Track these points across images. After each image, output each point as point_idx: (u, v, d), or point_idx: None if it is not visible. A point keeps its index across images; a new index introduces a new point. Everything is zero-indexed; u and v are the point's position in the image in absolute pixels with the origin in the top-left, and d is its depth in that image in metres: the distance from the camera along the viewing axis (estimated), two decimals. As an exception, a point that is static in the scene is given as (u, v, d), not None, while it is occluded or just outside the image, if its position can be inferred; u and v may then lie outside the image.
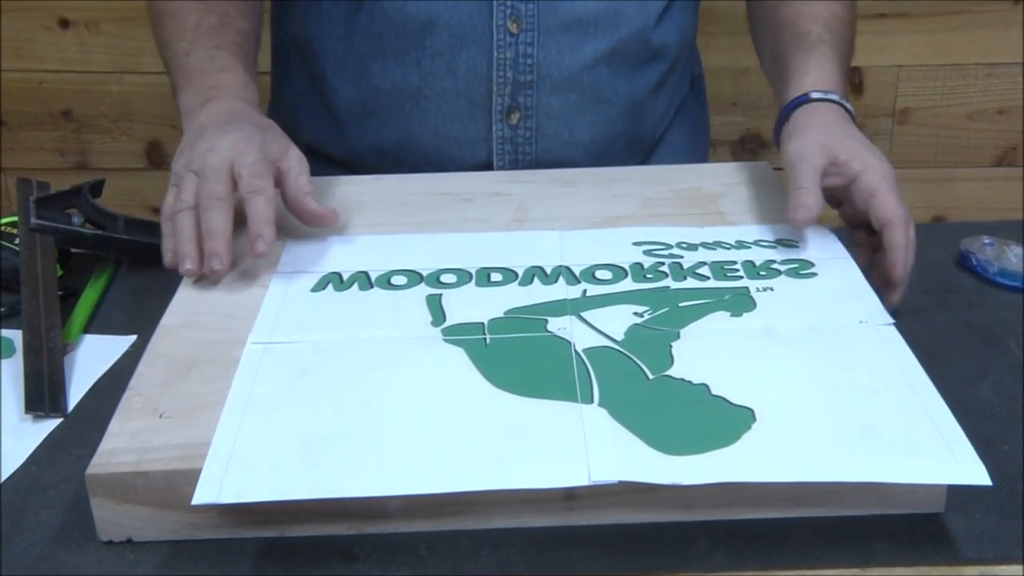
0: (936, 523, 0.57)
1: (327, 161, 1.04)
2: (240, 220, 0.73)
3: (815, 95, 0.83)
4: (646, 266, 0.74)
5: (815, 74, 0.85)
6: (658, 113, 1.03)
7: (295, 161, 0.79)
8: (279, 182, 0.77)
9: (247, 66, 0.88)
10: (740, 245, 0.77)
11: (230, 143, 0.76)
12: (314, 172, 1.04)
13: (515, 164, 0.97)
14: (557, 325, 0.67)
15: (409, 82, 0.95)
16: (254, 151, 0.76)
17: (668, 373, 0.62)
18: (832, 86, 0.84)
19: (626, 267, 0.74)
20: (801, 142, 0.79)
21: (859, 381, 0.61)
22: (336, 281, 0.73)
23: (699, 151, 1.13)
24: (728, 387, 0.60)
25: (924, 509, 0.57)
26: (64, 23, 1.52)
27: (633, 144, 1.02)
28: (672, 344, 0.65)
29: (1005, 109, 1.58)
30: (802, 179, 0.77)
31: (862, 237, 0.78)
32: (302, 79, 1.02)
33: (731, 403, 0.59)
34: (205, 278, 0.73)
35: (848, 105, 0.84)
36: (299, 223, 0.80)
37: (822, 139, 0.79)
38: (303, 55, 1.01)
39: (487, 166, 0.98)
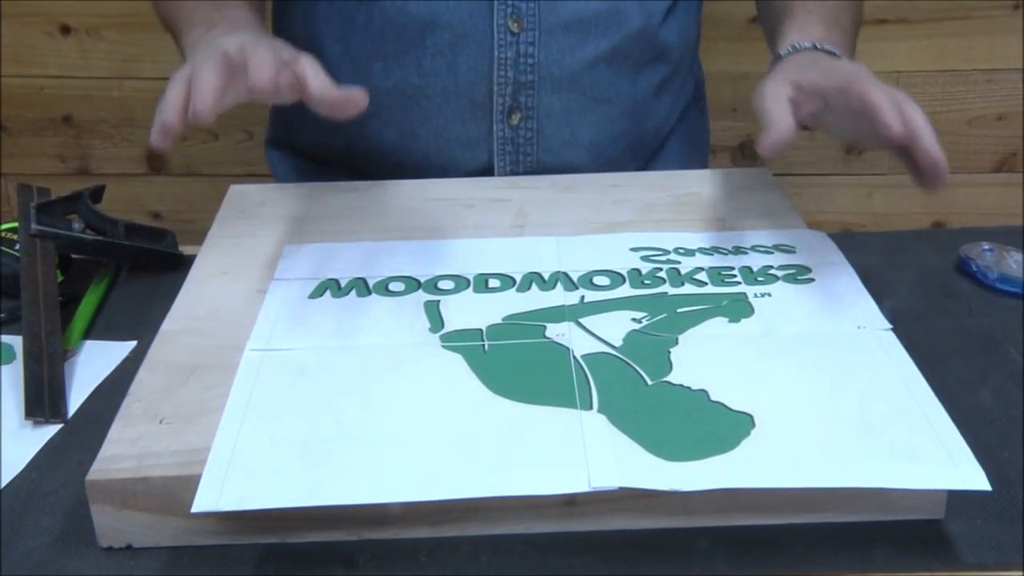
0: (936, 529, 0.57)
1: (327, 163, 1.04)
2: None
3: (783, 52, 0.83)
4: (644, 272, 0.75)
5: (791, 36, 0.85)
6: (660, 116, 1.03)
7: (309, 61, 0.71)
8: (298, 87, 0.70)
9: (253, 8, 0.86)
10: (738, 251, 0.78)
11: (234, 38, 0.71)
12: (314, 175, 1.05)
13: (516, 165, 0.98)
14: (555, 331, 0.67)
15: (410, 82, 0.95)
16: (264, 46, 0.70)
17: (667, 379, 0.62)
18: (811, 39, 0.83)
19: (624, 273, 0.74)
20: (762, 87, 0.76)
21: (857, 387, 0.61)
22: (334, 288, 0.73)
23: (699, 157, 1.14)
24: (727, 393, 0.60)
25: (924, 515, 0.57)
26: (65, 29, 1.52)
27: (634, 146, 1.02)
28: (671, 350, 0.65)
29: (1005, 115, 1.58)
30: (769, 111, 0.73)
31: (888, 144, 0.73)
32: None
33: (730, 409, 0.59)
34: (210, 274, 0.72)
35: (834, 49, 0.81)
36: (299, 228, 0.81)
37: (783, 75, 0.76)
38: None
39: (488, 167, 0.98)
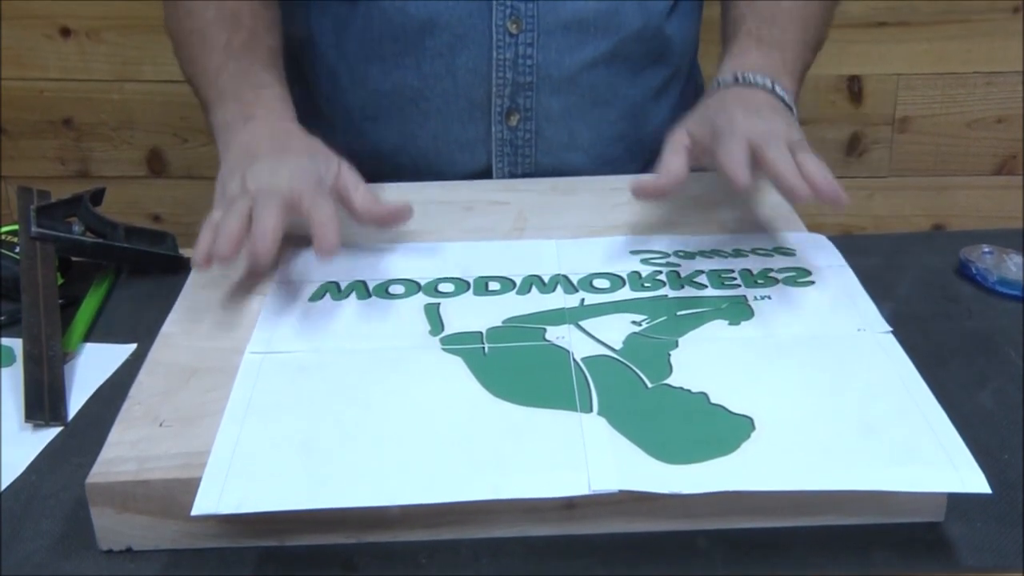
0: (936, 532, 0.57)
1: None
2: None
3: (712, 84, 0.84)
4: (644, 275, 0.75)
5: (724, 66, 0.86)
6: (660, 118, 1.03)
7: (348, 175, 0.77)
8: (342, 202, 0.76)
9: (281, 81, 0.88)
10: (738, 254, 0.78)
11: (289, 172, 0.74)
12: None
13: (514, 166, 0.98)
14: (555, 334, 0.67)
15: (408, 84, 0.95)
16: (312, 179, 0.74)
17: (667, 382, 0.62)
18: (737, 70, 0.83)
19: (624, 276, 0.74)
20: (675, 129, 0.79)
21: (857, 389, 0.61)
22: (334, 290, 0.73)
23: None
24: (727, 396, 0.60)
25: (924, 517, 0.57)
26: (65, 32, 1.52)
27: (633, 148, 1.02)
28: (671, 353, 0.65)
29: (1004, 118, 1.58)
30: (663, 158, 0.76)
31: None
32: (299, 83, 1.02)
33: (730, 412, 0.59)
34: (212, 279, 0.73)
35: (757, 77, 0.82)
36: (300, 231, 0.81)
37: (689, 122, 0.79)
38: (300, 59, 1.01)
39: (487, 168, 0.98)
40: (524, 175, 0.98)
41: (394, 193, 0.90)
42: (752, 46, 0.87)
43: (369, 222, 0.76)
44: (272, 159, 0.77)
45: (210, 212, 0.73)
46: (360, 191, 0.76)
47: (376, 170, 0.98)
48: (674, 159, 0.76)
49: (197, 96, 0.90)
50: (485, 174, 0.98)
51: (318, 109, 1.01)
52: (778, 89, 0.82)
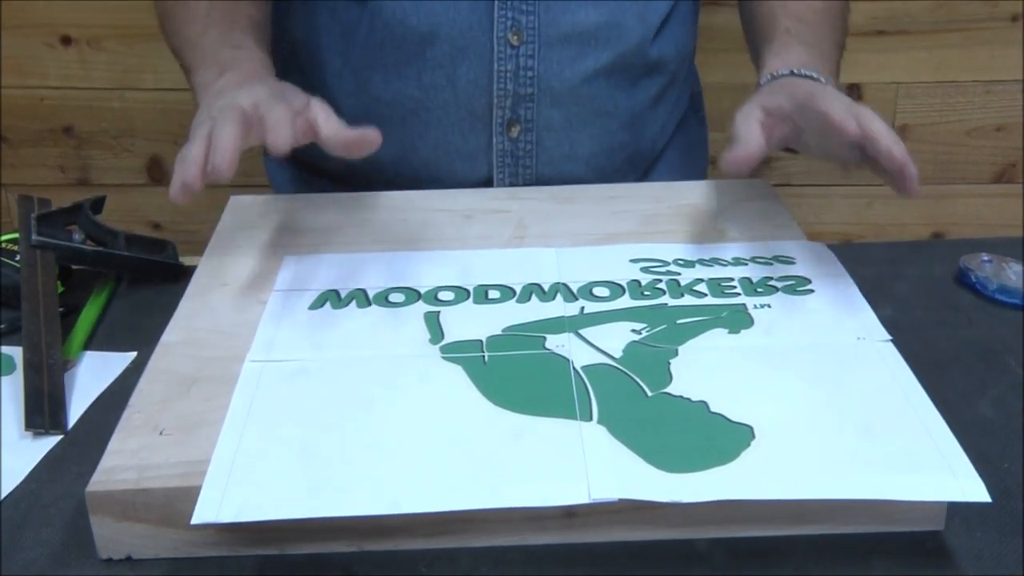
0: (936, 540, 0.57)
1: (325, 175, 1.04)
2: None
3: (762, 80, 0.84)
4: (643, 283, 0.75)
5: (771, 64, 0.85)
6: (658, 127, 1.04)
7: (319, 108, 0.73)
8: (311, 133, 0.72)
9: (261, 45, 0.88)
10: (737, 262, 0.78)
11: (250, 92, 0.73)
12: (312, 186, 1.05)
13: (515, 177, 0.98)
14: (555, 342, 0.67)
15: (409, 94, 0.95)
16: (277, 101, 0.72)
17: (667, 390, 0.62)
18: (790, 66, 0.83)
19: (623, 284, 0.74)
20: (741, 108, 0.77)
21: (857, 398, 0.61)
22: (334, 299, 0.73)
23: (698, 168, 1.14)
24: (727, 404, 0.60)
25: (924, 526, 0.57)
26: (66, 40, 1.52)
27: (633, 158, 1.02)
28: (670, 361, 0.65)
29: (1004, 126, 1.58)
30: (737, 128, 0.74)
31: (855, 155, 0.74)
32: (304, 89, 1.02)
33: (730, 420, 0.59)
34: (211, 287, 0.72)
35: (812, 72, 0.82)
36: (299, 239, 0.81)
37: (754, 102, 0.78)
38: (301, 68, 1.02)
39: (487, 179, 0.98)
40: (525, 185, 0.98)
41: (394, 202, 0.90)
42: (794, 43, 0.87)
43: (337, 149, 0.72)
44: (235, 88, 0.75)
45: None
46: (328, 119, 0.72)
47: (377, 179, 0.98)
48: (749, 130, 0.73)
49: (181, 66, 0.90)
50: (486, 184, 0.98)
51: None
52: (830, 84, 0.82)
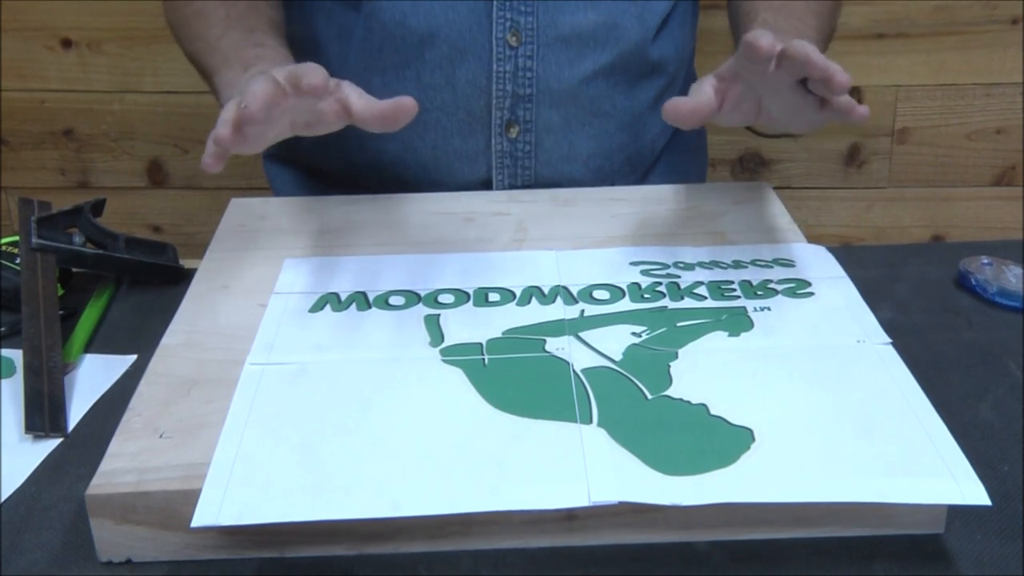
0: (936, 543, 0.57)
1: (327, 178, 1.04)
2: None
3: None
4: (643, 286, 0.75)
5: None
6: (657, 128, 1.04)
7: (350, 87, 0.73)
8: (344, 113, 0.72)
9: (282, 43, 0.88)
10: (737, 265, 0.78)
11: (281, 68, 0.71)
12: (312, 189, 1.05)
13: (514, 178, 0.98)
14: (555, 345, 0.67)
15: (408, 95, 0.95)
16: (311, 64, 0.70)
17: (667, 393, 0.62)
18: None
19: (623, 287, 0.74)
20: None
21: (857, 401, 0.61)
22: (334, 301, 0.73)
23: (697, 170, 1.14)
24: (727, 407, 0.60)
25: (924, 529, 0.57)
26: (66, 43, 1.53)
27: (632, 159, 1.02)
28: (670, 364, 0.65)
29: (1003, 129, 1.58)
30: (691, 91, 0.74)
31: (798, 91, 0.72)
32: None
33: (730, 423, 0.59)
34: (211, 289, 0.72)
35: None
36: (299, 242, 0.81)
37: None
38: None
39: (486, 180, 0.98)
40: (524, 186, 0.98)
41: (394, 204, 0.90)
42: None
43: (374, 124, 0.72)
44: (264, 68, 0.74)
45: None
46: (360, 97, 0.72)
47: (377, 181, 0.98)
48: (700, 89, 0.73)
49: (200, 71, 0.90)
50: (485, 185, 0.98)
51: None
52: None
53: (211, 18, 0.89)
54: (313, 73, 0.67)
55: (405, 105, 0.71)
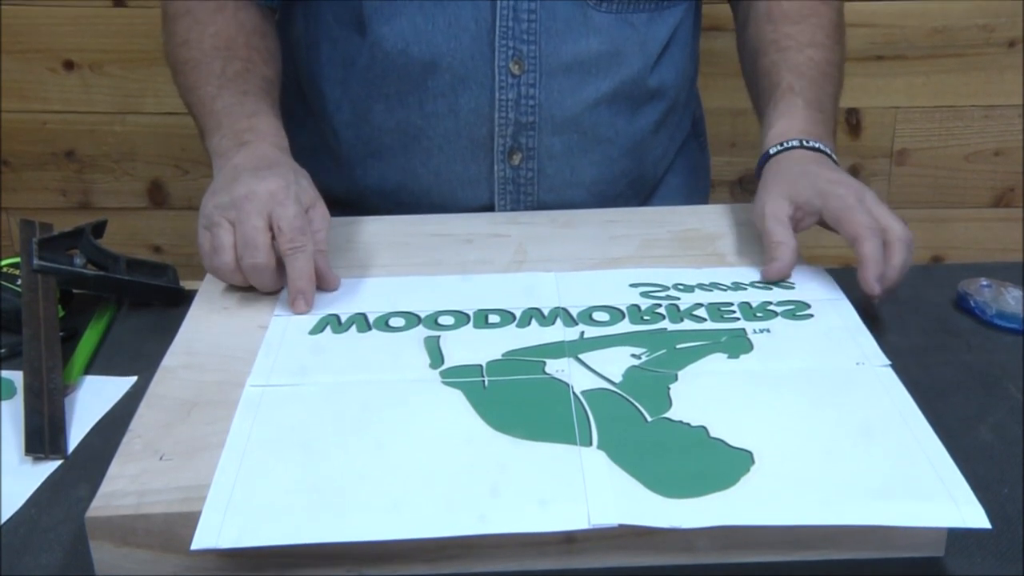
0: (936, 566, 0.57)
1: (331, 202, 1.04)
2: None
3: (773, 151, 0.86)
4: (643, 308, 0.75)
5: (778, 126, 0.88)
6: (659, 152, 1.04)
7: (320, 215, 0.79)
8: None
9: (275, 111, 0.90)
10: (736, 287, 0.78)
11: (267, 189, 0.76)
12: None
13: (517, 204, 0.98)
14: (555, 367, 0.67)
15: (411, 123, 0.95)
16: (292, 202, 0.76)
17: (666, 415, 0.62)
18: (796, 132, 0.87)
19: (623, 309, 0.75)
20: (761, 200, 0.82)
21: (856, 423, 0.61)
22: (334, 323, 0.73)
23: (699, 193, 1.14)
24: (726, 429, 0.60)
25: (924, 552, 0.57)
26: (68, 64, 1.53)
27: (635, 184, 1.03)
28: (670, 386, 0.65)
29: (1002, 150, 1.58)
30: (772, 233, 0.80)
31: None
32: (306, 121, 1.03)
33: (729, 445, 0.59)
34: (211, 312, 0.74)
35: (818, 144, 0.86)
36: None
37: (779, 189, 0.82)
38: (305, 96, 1.02)
39: (489, 206, 0.98)
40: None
41: (395, 226, 0.90)
42: (799, 104, 0.89)
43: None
44: (251, 175, 0.78)
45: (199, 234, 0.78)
46: (319, 235, 0.79)
47: (380, 205, 0.99)
48: (783, 234, 0.80)
49: (194, 121, 0.91)
50: (487, 211, 0.98)
51: (326, 142, 1.01)
52: (833, 155, 0.86)
53: (207, 73, 0.90)
54: (301, 301, 0.75)
55: (331, 284, 0.79)
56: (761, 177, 0.86)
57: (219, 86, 0.89)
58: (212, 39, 0.91)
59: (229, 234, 0.75)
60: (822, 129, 0.88)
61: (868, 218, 0.77)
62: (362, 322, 0.73)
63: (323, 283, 0.78)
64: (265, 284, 0.76)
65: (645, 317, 0.74)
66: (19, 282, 0.81)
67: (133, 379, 0.76)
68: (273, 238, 0.75)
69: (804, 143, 0.86)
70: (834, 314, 0.74)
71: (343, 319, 0.74)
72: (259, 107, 0.88)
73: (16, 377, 0.75)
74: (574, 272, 0.80)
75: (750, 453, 0.58)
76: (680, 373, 0.67)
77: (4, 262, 0.85)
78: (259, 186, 0.76)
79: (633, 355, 0.69)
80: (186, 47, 0.92)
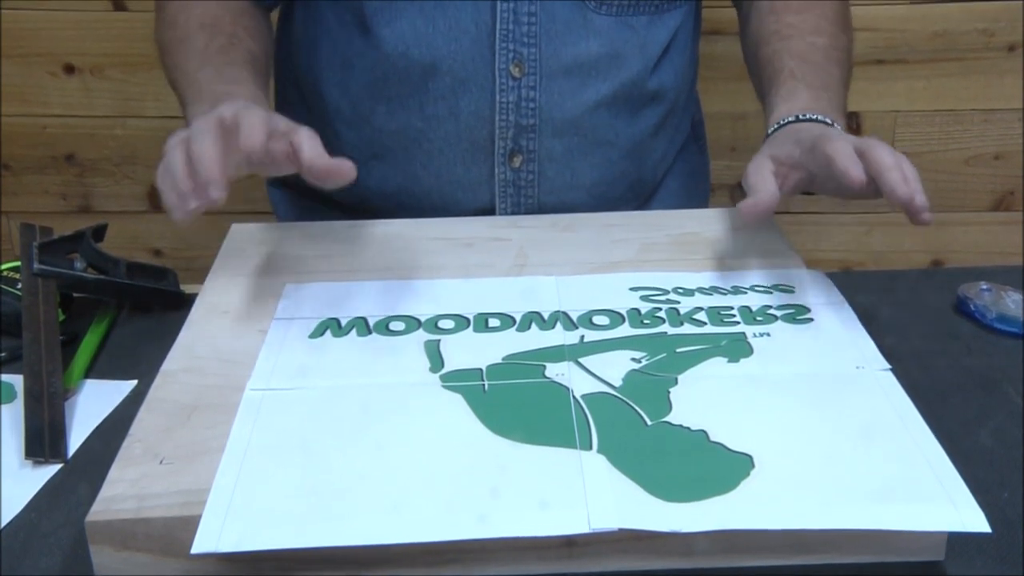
0: (936, 570, 0.57)
1: (331, 204, 1.05)
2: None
3: (770, 131, 0.85)
4: (643, 312, 0.75)
5: (778, 110, 0.87)
6: (658, 155, 1.04)
7: (305, 133, 0.71)
8: (293, 157, 0.70)
9: (258, 81, 0.89)
10: (737, 291, 0.78)
11: (232, 106, 0.72)
12: (316, 215, 1.06)
13: (517, 207, 0.98)
14: (555, 371, 0.67)
15: (412, 125, 0.96)
16: (257, 112, 0.71)
17: (666, 419, 0.62)
18: (796, 109, 0.85)
19: (623, 313, 0.75)
20: (753, 160, 0.80)
21: (857, 427, 0.61)
22: (334, 327, 0.73)
23: (699, 196, 1.14)
24: (726, 433, 0.60)
25: (924, 556, 0.57)
26: (69, 68, 1.53)
27: (635, 186, 1.03)
28: (670, 390, 0.65)
29: (1002, 154, 1.59)
30: (752, 184, 0.77)
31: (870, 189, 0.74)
32: (306, 123, 1.03)
33: (730, 450, 0.59)
34: (211, 314, 0.73)
35: (816, 116, 0.84)
36: (300, 267, 0.81)
37: (763, 152, 0.81)
38: (307, 100, 1.02)
39: (490, 209, 0.98)
40: (527, 214, 0.98)
41: (395, 230, 0.90)
42: (800, 88, 0.88)
43: (313, 175, 0.70)
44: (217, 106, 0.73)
45: None
46: (312, 145, 0.70)
47: (380, 208, 0.99)
48: (762, 179, 0.77)
49: (178, 99, 0.91)
50: (488, 213, 0.98)
51: (326, 143, 1.01)
52: (837, 126, 0.84)
53: (192, 48, 0.90)
54: (251, 130, 0.67)
55: (343, 169, 0.70)
56: None
57: (202, 60, 0.88)
58: (198, 17, 0.92)
59: (183, 143, 0.69)
60: (826, 106, 0.86)
61: (844, 139, 0.74)
62: (362, 326, 0.74)
63: (343, 173, 0.70)
64: (205, 150, 0.66)
65: (645, 321, 0.74)
66: (19, 286, 0.82)
67: (133, 383, 0.76)
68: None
69: (800, 117, 0.84)
70: (834, 318, 0.74)
71: (343, 323, 0.74)
72: (240, 75, 0.87)
73: (16, 381, 0.75)
74: (574, 276, 0.80)
75: (750, 457, 0.58)
76: (680, 377, 0.67)
77: (4, 266, 0.85)
78: (224, 107, 0.71)
79: (633, 359, 0.69)
80: (173, 27, 0.92)
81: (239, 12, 0.93)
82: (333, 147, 0.99)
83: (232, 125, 0.69)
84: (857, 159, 0.71)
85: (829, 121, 0.84)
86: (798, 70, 0.90)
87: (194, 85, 0.87)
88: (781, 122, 0.85)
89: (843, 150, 0.72)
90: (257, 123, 0.68)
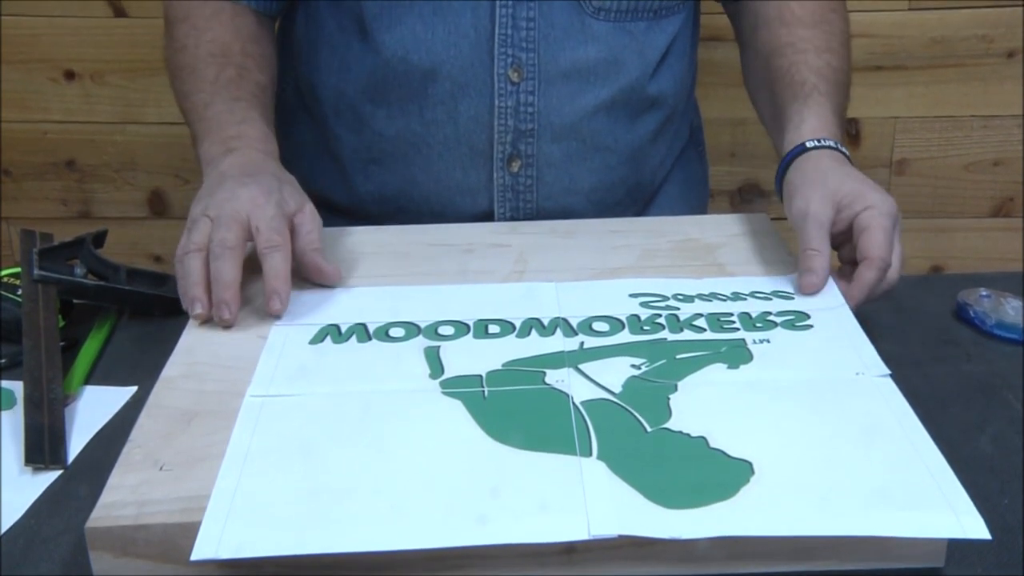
0: (936, 577, 0.57)
1: (331, 209, 1.04)
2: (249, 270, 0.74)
3: (810, 144, 0.84)
4: (643, 318, 0.75)
5: (811, 122, 0.86)
6: (657, 160, 1.04)
7: (309, 216, 0.80)
8: (291, 236, 0.78)
9: (266, 117, 0.90)
10: (736, 297, 0.78)
11: (249, 195, 0.77)
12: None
13: (516, 211, 0.98)
14: (555, 377, 0.67)
15: (411, 130, 0.96)
16: (272, 205, 0.77)
17: (666, 426, 0.62)
18: (828, 133, 0.85)
19: (623, 319, 0.75)
20: (804, 198, 0.80)
21: (856, 434, 0.61)
22: (335, 333, 0.73)
23: (698, 202, 1.14)
24: (726, 440, 0.60)
25: (924, 563, 0.57)
26: (69, 74, 1.54)
27: (633, 192, 1.03)
28: (670, 396, 0.65)
29: (1001, 160, 1.59)
30: (810, 240, 0.78)
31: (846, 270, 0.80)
32: (307, 127, 1.03)
33: (729, 456, 0.59)
34: (212, 323, 0.74)
35: (844, 150, 0.85)
36: (300, 274, 0.81)
37: (824, 191, 0.79)
38: (307, 103, 1.03)
39: (488, 213, 0.98)
40: (525, 219, 0.98)
41: (395, 235, 0.90)
42: (829, 108, 0.88)
43: (300, 266, 0.79)
44: (236, 182, 0.79)
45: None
46: (312, 235, 0.79)
47: (379, 212, 0.99)
48: (819, 239, 0.78)
49: (189, 128, 0.92)
50: (487, 218, 0.98)
51: (326, 148, 1.02)
52: (844, 150, 0.85)
53: (202, 78, 0.91)
54: (275, 300, 0.74)
55: (333, 276, 0.80)
56: (796, 169, 0.83)
57: (212, 92, 0.90)
58: (208, 45, 0.92)
59: (206, 226, 0.77)
60: (840, 132, 0.87)
61: (886, 245, 0.76)
62: (362, 332, 0.74)
63: (324, 278, 0.79)
64: (225, 273, 0.74)
65: (645, 327, 0.74)
66: (19, 292, 0.82)
67: (133, 389, 0.76)
68: (251, 240, 0.76)
69: (838, 146, 0.85)
70: (834, 324, 0.74)
71: (343, 329, 0.74)
72: (249, 114, 0.88)
73: (16, 387, 0.75)
74: (574, 282, 0.80)
75: (750, 463, 0.58)
76: (680, 383, 0.67)
77: (4, 272, 0.85)
78: (242, 191, 0.77)
79: (633, 365, 0.69)
80: (183, 52, 0.93)
81: (247, 39, 0.94)
82: (332, 151, 1.00)
83: (250, 230, 0.76)
84: (867, 297, 0.76)
85: (847, 153, 0.85)
86: (821, 86, 0.89)
87: (204, 121, 0.88)
88: (822, 141, 0.84)
89: (870, 283, 0.76)
90: (283, 275, 0.75)
